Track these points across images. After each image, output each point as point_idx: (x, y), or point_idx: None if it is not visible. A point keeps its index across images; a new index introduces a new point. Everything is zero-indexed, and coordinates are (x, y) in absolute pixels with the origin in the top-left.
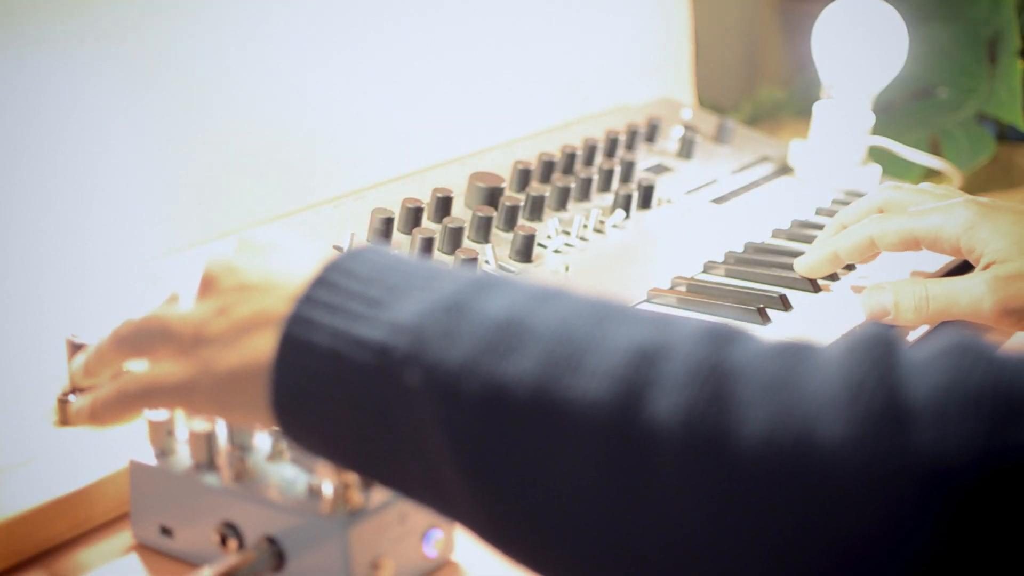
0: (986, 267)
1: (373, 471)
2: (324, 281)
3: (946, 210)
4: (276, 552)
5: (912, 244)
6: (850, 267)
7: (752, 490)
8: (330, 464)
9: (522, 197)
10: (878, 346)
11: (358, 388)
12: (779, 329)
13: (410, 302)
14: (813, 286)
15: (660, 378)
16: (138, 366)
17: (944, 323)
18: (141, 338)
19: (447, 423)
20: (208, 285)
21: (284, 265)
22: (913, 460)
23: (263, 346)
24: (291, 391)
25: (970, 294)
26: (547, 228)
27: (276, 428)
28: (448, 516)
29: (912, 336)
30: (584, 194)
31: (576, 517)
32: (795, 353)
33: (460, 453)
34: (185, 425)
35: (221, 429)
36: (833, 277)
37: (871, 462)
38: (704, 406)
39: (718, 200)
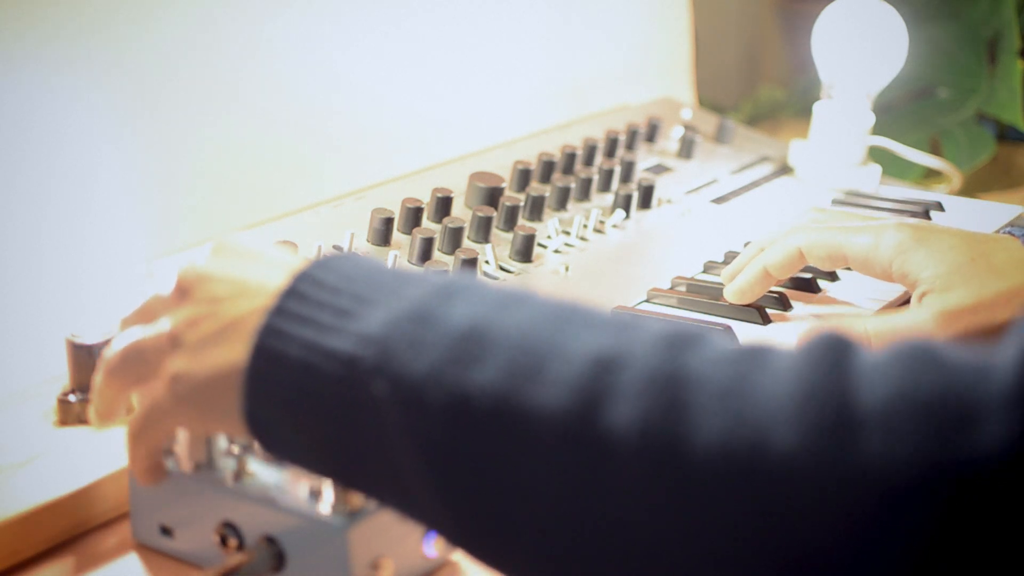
0: (922, 295)
1: (345, 479)
2: (294, 292)
3: (877, 231)
4: (276, 552)
5: (840, 261)
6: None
7: (707, 497)
8: (304, 472)
9: (522, 197)
10: (832, 351)
11: (328, 399)
12: (777, 330)
13: (378, 311)
14: (813, 286)
15: (618, 387)
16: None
17: None
18: (125, 369)
19: (413, 433)
20: (182, 294)
21: (255, 274)
22: (862, 469)
23: (233, 357)
24: (263, 401)
25: (917, 331)
26: (547, 228)
27: (249, 437)
28: (418, 522)
29: None
30: (584, 194)
31: (538, 524)
32: (751, 359)
33: (427, 462)
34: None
35: None
36: (833, 276)
37: (821, 470)
38: (660, 415)
39: (718, 200)
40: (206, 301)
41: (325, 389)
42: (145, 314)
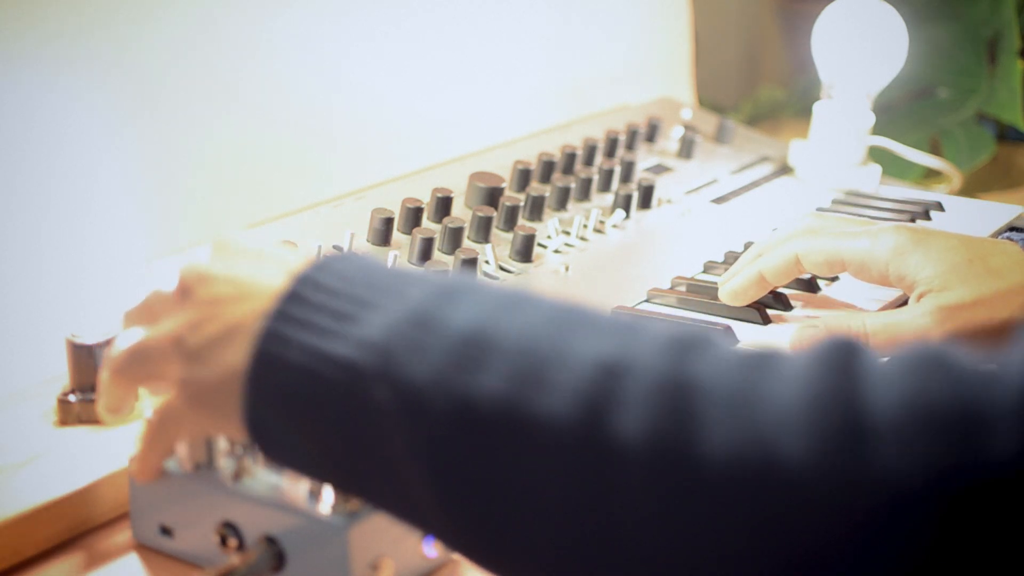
0: (920, 296)
1: (346, 485)
2: (294, 295)
3: (874, 235)
4: (276, 552)
5: (838, 266)
6: None
7: (717, 508)
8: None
9: (522, 197)
10: (841, 357)
11: (329, 404)
12: (777, 330)
13: (378, 315)
14: (811, 286)
15: (623, 394)
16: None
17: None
18: (131, 368)
19: (415, 439)
20: (183, 295)
21: (256, 275)
22: (872, 479)
23: (235, 360)
24: (263, 407)
25: (915, 326)
26: (547, 228)
27: (250, 442)
28: (419, 529)
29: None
30: (584, 194)
31: (543, 532)
32: (758, 365)
33: (429, 469)
34: None
35: None
36: (833, 276)
37: (831, 479)
38: (667, 423)
39: (718, 200)
40: (207, 303)
41: (326, 395)
42: (147, 310)
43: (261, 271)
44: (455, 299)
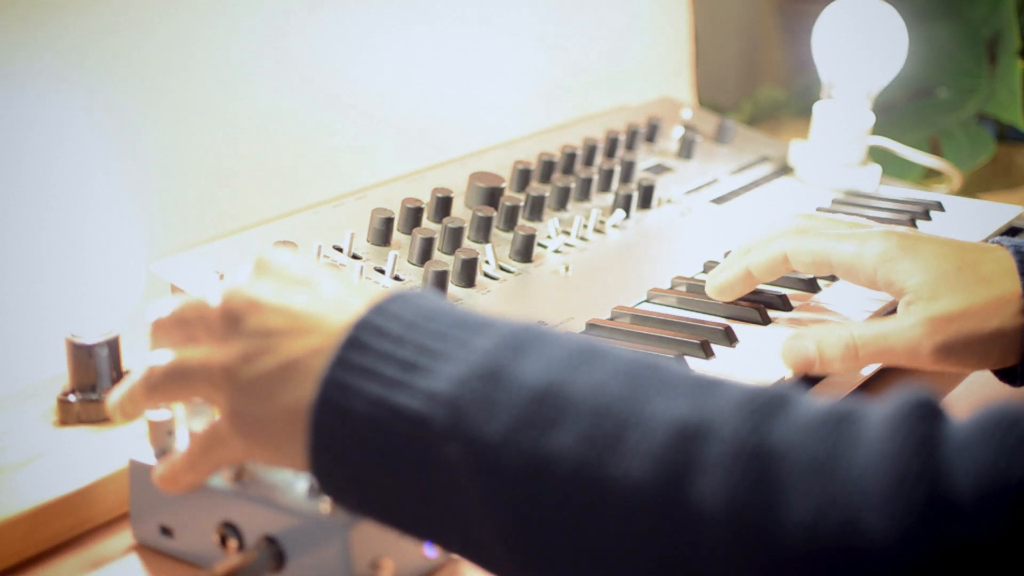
0: (909, 303)
1: (412, 530)
2: (355, 341)
3: (863, 238)
4: (276, 552)
5: (825, 267)
6: None
7: (795, 574)
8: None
9: (522, 197)
10: (922, 422)
11: (396, 456)
12: (776, 331)
13: (446, 366)
14: (811, 286)
15: (703, 460)
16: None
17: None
18: (167, 387)
19: (488, 496)
20: (230, 321)
21: (309, 307)
22: (953, 555)
23: (295, 399)
24: (328, 453)
25: (905, 337)
26: (547, 228)
27: (313, 482)
28: (486, 570)
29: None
30: (584, 194)
31: None
32: (837, 427)
33: (501, 525)
34: (185, 425)
35: None
36: (833, 276)
37: (912, 556)
38: (747, 491)
39: (718, 200)
40: (259, 334)
41: (394, 447)
42: (183, 326)
43: (316, 304)
44: (524, 351)
